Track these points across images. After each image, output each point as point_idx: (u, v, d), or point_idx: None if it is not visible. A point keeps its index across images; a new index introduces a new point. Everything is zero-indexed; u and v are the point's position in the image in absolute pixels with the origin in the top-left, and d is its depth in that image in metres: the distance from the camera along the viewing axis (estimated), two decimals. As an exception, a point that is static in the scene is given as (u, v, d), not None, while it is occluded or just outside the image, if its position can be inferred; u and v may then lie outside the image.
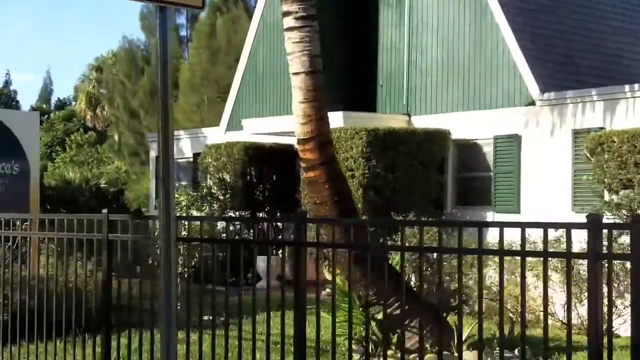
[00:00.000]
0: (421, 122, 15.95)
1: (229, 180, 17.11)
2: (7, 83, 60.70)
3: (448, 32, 15.88)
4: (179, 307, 10.69)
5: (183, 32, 41.37)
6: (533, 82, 14.34)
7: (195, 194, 12.74)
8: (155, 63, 35.06)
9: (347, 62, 18.52)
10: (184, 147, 21.36)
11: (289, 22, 9.33)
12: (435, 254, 10.66)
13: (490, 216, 14.73)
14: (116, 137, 40.32)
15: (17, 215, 8.35)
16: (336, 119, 15.55)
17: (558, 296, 9.36)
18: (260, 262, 15.34)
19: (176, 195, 13.05)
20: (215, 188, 17.65)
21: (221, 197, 16.94)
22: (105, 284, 7.75)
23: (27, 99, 74.76)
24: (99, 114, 49.02)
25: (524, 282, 5.47)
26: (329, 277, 10.48)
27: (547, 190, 13.99)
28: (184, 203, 12.35)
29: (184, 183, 21.57)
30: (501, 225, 5.40)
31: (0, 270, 8.66)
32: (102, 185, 32.74)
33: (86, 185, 30.78)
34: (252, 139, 17.94)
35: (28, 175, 12.78)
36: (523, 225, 5.25)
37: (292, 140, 18.12)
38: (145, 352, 7.40)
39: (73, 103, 57.51)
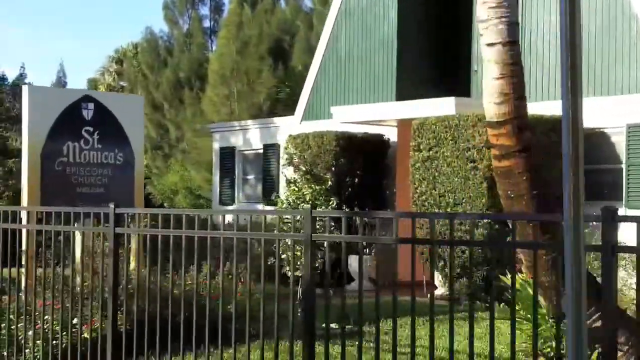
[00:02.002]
0: (535, 109, 14.58)
1: (317, 172, 15.77)
2: (22, 76, 59.19)
3: (568, 10, 14.51)
4: (298, 314, 9.40)
5: (207, 24, 40.21)
6: (674, 64, 13.05)
7: (318, 187, 11.39)
8: (186, 54, 33.54)
9: (434, 46, 17.29)
10: (252, 138, 20.04)
11: (484, -17, 7.98)
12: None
13: (621, 212, 13.42)
14: (136, 130, 38.90)
15: (193, 211, 7.01)
16: (447, 106, 14.29)
17: None
18: (352, 261, 14.07)
19: (294, 189, 11.74)
20: (299, 181, 16.31)
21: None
22: (308, 289, 6.46)
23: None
24: (119, 106, 47.57)
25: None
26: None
27: (692, 184, 12.70)
28: (307, 197, 11.02)
29: (250, 176, 20.28)
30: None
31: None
32: (123, 180, 31.48)
33: (106, 180, 29.58)
34: (333, 128, 16.63)
35: (132, 165, 11.43)
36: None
37: (381, 130, 16.91)
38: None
39: (87, 96, 56.02)
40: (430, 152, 13.68)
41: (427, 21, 17.26)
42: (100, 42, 77.41)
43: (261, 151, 19.71)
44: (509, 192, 8.17)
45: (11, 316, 8.85)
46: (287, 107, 29.88)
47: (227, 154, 20.47)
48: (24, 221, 9.40)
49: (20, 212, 9.62)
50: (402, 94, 16.60)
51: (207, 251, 7.09)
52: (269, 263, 10.80)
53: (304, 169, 16.19)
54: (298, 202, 11.12)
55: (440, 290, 14.30)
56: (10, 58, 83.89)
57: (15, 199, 26.90)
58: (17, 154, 32.74)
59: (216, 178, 20.87)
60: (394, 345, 6.06)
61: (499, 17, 7.92)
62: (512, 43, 7.97)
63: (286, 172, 16.55)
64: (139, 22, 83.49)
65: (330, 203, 11.22)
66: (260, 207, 18.89)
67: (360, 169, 15.94)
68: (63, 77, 63.67)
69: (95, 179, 11.10)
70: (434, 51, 17.19)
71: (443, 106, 14.28)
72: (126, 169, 11.30)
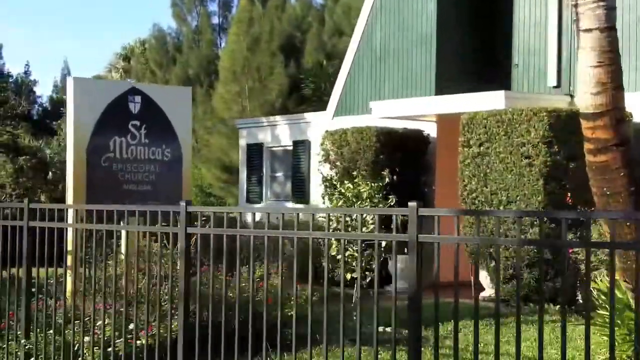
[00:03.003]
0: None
1: (357, 169, 15.22)
2: (27, 74, 58.71)
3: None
4: (355, 318, 8.88)
5: (215, 20, 39.76)
6: None
7: (374, 184, 10.85)
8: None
9: (473, 40, 16.81)
10: (281, 134, 19.49)
11: (580, -35, 7.45)
12: None
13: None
14: (144, 128, 38.50)
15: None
16: (496, 100, 13.77)
17: None
18: (398, 262, 13.56)
19: (350, 186, 11.21)
20: (336, 178, 15.79)
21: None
22: (416, 294, 5.94)
23: (42, 89, 73.33)
24: (126, 104, 47.10)
25: None
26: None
27: None
28: (365, 195, 10.48)
29: (279, 174, 19.75)
30: None
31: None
32: (131, 177, 30.99)
33: (115, 177, 29.10)
34: (368, 123, 16.10)
35: (180, 161, 10.86)
36: None
37: (419, 125, 16.37)
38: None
39: (92, 94, 55.57)
40: (481, 147, 13.15)
41: (466, 14, 16.76)
42: (100, 42, 77.05)
43: (290, 148, 19.16)
44: (605, 189, 7.66)
45: (60, 320, 8.33)
46: (303, 102, 29.36)
47: (255, 150, 19.93)
48: (70, 220, 8.89)
49: (67, 210, 9.11)
50: (441, 89, 16.09)
51: (283, 252, 6.62)
52: (324, 264, 10.31)
53: (341, 165, 15.66)
54: (354, 200, 10.59)
55: (488, 292, 13.79)
56: (12, 57, 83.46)
57: (25, 197, 26.31)
58: (28, 151, 32.17)
59: (243, 175, 20.32)
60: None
61: (596, 0, 7.40)
62: (610, 29, 7.45)
63: (322, 170, 16.02)
64: (138, 22, 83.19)
65: (389, 201, 10.69)
66: (290, 205, 18.37)
67: (400, 166, 15.38)
68: (68, 75, 63.22)
69: (143, 176, 10.55)
70: (474, 45, 16.70)
71: (492, 100, 13.75)
72: (174, 165, 10.76)
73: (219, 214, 7.12)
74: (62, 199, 27.55)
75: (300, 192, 18.69)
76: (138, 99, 10.55)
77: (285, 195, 19.33)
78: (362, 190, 10.54)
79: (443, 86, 16.15)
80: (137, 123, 10.55)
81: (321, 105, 25.44)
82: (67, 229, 8.21)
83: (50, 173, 32.57)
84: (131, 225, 7.55)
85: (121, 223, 7.66)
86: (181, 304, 7.22)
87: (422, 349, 5.99)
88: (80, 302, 7.99)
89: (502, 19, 16.25)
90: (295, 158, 18.93)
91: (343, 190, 10.80)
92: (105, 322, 7.89)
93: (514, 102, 13.61)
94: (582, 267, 12.02)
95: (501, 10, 16.33)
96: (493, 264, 13.10)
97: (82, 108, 10.19)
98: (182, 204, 7.20)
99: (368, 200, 10.41)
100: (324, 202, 15.83)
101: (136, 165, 10.53)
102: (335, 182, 15.63)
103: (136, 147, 10.52)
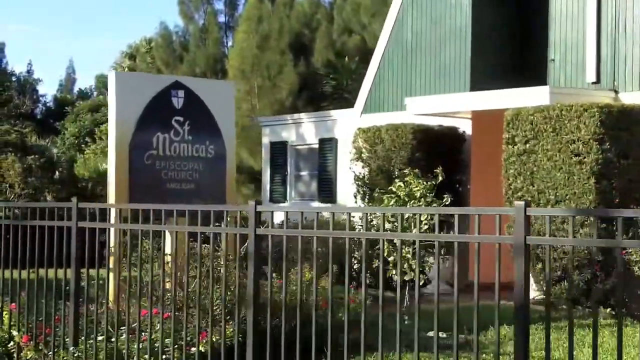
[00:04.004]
0: (633, 99, 13.66)
1: (392, 168, 14.77)
2: (29, 72, 58.21)
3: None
4: (406, 321, 8.47)
5: (222, 19, 39.37)
6: None
7: (427, 183, 10.40)
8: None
9: (508, 35, 16.41)
10: (306, 132, 19.03)
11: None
12: None
13: None
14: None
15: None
16: (540, 95, 13.33)
17: None
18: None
19: (400, 184, 10.75)
20: (368, 177, 15.37)
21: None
22: (523, 304, 5.48)
23: (46, 89, 73.08)
24: (131, 103, 46.88)
25: None
26: None
27: None
28: (418, 194, 10.02)
29: (304, 173, 19.31)
30: None
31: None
32: (136, 177, 30.61)
33: (121, 177, 28.67)
34: (398, 120, 15.67)
35: (224, 158, 10.38)
36: None
37: (453, 122, 15.93)
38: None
39: (95, 93, 55.16)
40: (527, 145, 12.70)
41: (501, 7, 16.34)
42: (104, 41, 76.62)
43: (316, 146, 18.70)
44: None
45: (110, 326, 7.89)
46: (314, 100, 28.98)
47: (279, 149, 19.47)
48: (112, 219, 8.44)
49: (109, 209, 8.65)
50: (476, 84, 15.66)
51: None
52: (373, 266, 9.90)
53: (374, 164, 15.21)
54: (406, 199, 10.15)
55: (532, 294, 13.33)
56: (14, 55, 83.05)
57: (33, 197, 25.95)
58: (36, 150, 31.72)
59: (266, 174, 19.86)
60: None
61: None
62: None
63: (355, 168, 15.58)
64: (143, 21, 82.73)
65: (444, 200, 10.25)
66: (315, 204, 17.92)
67: (437, 164, 14.93)
68: (72, 74, 62.73)
69: (186, 174, 10.07)
70: (509, 39, 16.28)
71: (535, 96, 13.31)
72: (217, 162, 10.28)
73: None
74: (64, 198, 27.10)
75: (328, 191, 18.24)
76: (181, 93, 10.07)
77: (311, 194, 18.89)
78: (414, 189, 10.08)
79: (477, 81, 15.74)
80: (181, 119, 10.08)
81: (341, 103, 24.98)
82: (118, 230, 7.71)
83: (57, 172, 32.14)
84: (193, 226, 7.10)
85: (178, 224, 7.21)
86: (250, 309, 6.79)
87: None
88: (135, 308, 7.56)
89: (538, 12, 15.84)
90: (322, 156, 18.47)
91: (394, 189, 10.34)
92: (159, 328, 7.45)
93: (558, 97, 13.17)
94: (635, 268, 11.61)
95: (537, 2, 15.92)
96: (539, 265, 12.67)
97: (124, 104, 9.71)
98: (252, 203, 6.77)
99: (423, 199, 9.96)
100: (355, 202, 15.40)
101: (179, 163, 10.06)
102: (367, 181, 15.22)
103: (179, 144, 10.06)
